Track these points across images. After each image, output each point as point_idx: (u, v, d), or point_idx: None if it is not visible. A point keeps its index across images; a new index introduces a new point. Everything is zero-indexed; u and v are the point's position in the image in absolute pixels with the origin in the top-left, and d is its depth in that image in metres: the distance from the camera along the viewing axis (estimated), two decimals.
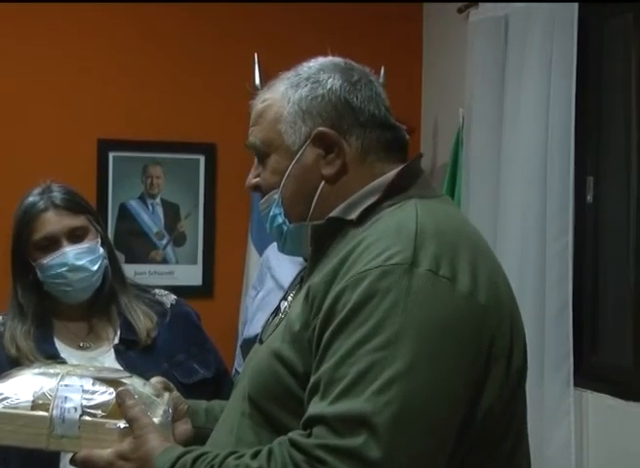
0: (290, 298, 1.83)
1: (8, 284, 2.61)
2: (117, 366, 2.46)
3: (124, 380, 1.83)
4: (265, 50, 4.41)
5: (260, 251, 3.94)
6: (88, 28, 4.35)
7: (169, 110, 4.44)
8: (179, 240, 4.45)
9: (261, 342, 1.79)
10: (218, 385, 2.61)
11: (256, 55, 4.39)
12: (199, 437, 1.90)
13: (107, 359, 2.52)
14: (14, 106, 4.28)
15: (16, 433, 1.75)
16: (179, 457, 1.59)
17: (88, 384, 1.79)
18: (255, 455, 1.53)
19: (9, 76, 4.28)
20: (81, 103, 4.36)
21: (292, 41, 4.39)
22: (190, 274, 4.42)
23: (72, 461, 1.74)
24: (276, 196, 1.76)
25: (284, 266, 3.33)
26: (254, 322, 3.50)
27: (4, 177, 4.13)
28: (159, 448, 1.64)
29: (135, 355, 2.53)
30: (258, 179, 1.81)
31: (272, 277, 3.53)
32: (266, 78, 4.36)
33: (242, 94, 4.44)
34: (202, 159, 4.47)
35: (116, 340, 2.57)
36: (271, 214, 1.78)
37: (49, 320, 2.57)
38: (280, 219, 1.78)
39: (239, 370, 3.57)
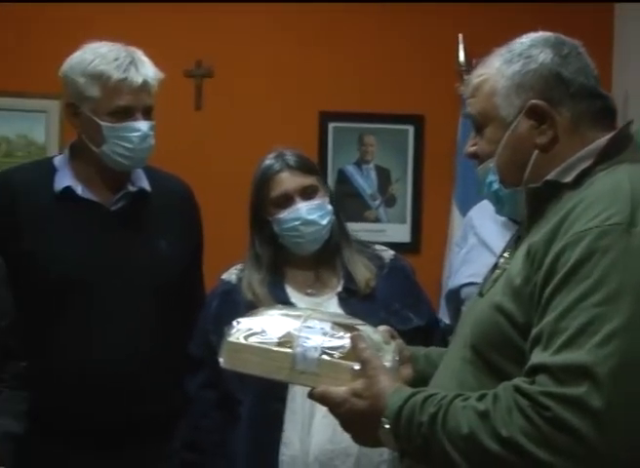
0: (506, 255, 1.75)
1: (246, 237, 2.63)
2: (339, 312, 2.44)
3: (358, 327, 1.79)
4: (469, 31, 4.31)
5: (464, 212, 3.85)
6: (310, 9, 4.32)
7: (382, 85, 4.38)
8: (389, 201, 4.41)
9: (482, 295, 1.72)
10: (429, 333, 2.56)
11: (460, 35, 4.31)
12: (419, 380, 1.84)
13: (331, 305, 2.50)
14: (246, 84, 4.30)
15: (261, 364, 1.75)
16: (409, 397, 1.55)
17: (327, 328, 1.76)
18: (480, 398, 1.47)
19: (238, 57, 4.31)
20: (305, 80, 4.35)
21: (493, 24, 4.26)
22: (400, 232, 4.38)
23: (310, 395, 1.72)
24: (491, 164, 1.71)
25: (486, 225, 3.25)
26: (457, 274, 3.42)
27: (239, 147, 4.16)
28: (390, 387, 1.60)
29: (355, 302, 2.49)
30: (475, 148, 1.76)
31: (475, 234, 3.45)
32: (470, 56, 4.31)
33: (448, 71, 4.38)
34: (411, 129, 4.40)
35: (339, 289, 2.55)
36: (487, 180, 1.73)
37: (281, 269, 2.58)
38: (496, 186, 1.72)
39: (444, 319, 3.51)
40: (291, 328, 1.76)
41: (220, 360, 1.80)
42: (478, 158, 1.75)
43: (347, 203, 4.30)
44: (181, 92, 4.15)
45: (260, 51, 4.31)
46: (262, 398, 2.41)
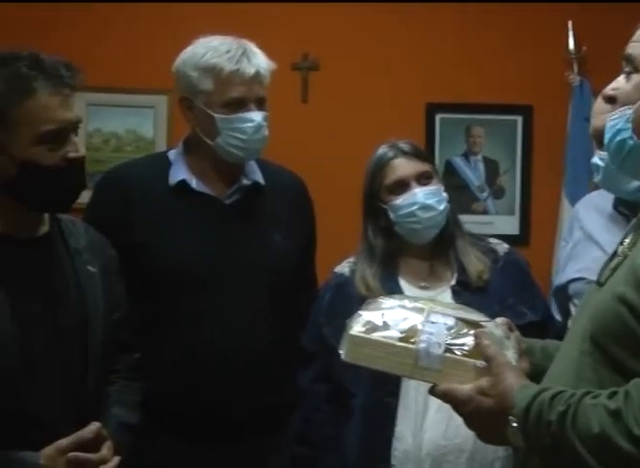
0: (626, 242, 1.69)
1: (355, 230, 2.64)
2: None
3: (482, 323, 1.77)
4: (578, 18, 4.25)
5: (574, 203, 3.78)
6: (416, 2, 4.30)
7: (489, 75, 4.34)
8: (498, 193, 4.38)
9: (600, 284, 1.67)
10: (544, 329, 2.51)
11: (570, 22, 4.25)
12: (535, 373, 1.79)
13: (445, 298, 2.48)
14: (352, 77, 4.31)
15: (383, 359, 1.72)
16: (537, 394, 1.52)
17: (450, 323, 1.73)
18: (611, 396, 1.44)
19: (344, 49, 4.31)
20: (411, 71, 4.34)
21: (603, 11, 4.20)
22: (508, 224, 4.34)
23: (432, 392, 1.70)
24: (629, 111, 1.63)
25: (592, 219, 3.18)
26: (565, 270, 3.37)
27: (346, 140, 4.18)
28: (516, 384, 1.58)
29: (469, 296, 2.47)
30: (615, 92, 1.68)
31: (581, 228, 3.39)
32: (580, 44, 4.24)
33: (557, 59, 4.31)
34: (519, 120, 4.35)
35: (453, 282, 2.54)
36: (618, 127, 1.64)
37: (395, 260, 2.57)
38: (626, 134, 1.63)
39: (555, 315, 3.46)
40: (413, 322, 1.73)
41: (341, 352, 1.77)
42: (614, 102, 1.68)
43: (455, 195, 4.21)
44: (288, 84, 4.17)
45: (366, 43, 4.32)
46: (375, 392, 2.41)
